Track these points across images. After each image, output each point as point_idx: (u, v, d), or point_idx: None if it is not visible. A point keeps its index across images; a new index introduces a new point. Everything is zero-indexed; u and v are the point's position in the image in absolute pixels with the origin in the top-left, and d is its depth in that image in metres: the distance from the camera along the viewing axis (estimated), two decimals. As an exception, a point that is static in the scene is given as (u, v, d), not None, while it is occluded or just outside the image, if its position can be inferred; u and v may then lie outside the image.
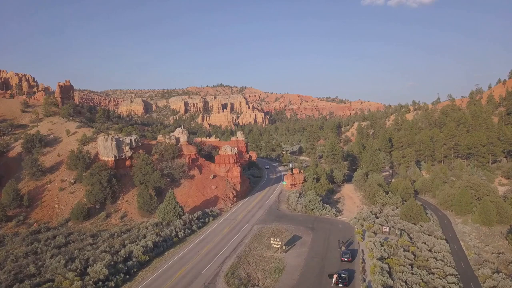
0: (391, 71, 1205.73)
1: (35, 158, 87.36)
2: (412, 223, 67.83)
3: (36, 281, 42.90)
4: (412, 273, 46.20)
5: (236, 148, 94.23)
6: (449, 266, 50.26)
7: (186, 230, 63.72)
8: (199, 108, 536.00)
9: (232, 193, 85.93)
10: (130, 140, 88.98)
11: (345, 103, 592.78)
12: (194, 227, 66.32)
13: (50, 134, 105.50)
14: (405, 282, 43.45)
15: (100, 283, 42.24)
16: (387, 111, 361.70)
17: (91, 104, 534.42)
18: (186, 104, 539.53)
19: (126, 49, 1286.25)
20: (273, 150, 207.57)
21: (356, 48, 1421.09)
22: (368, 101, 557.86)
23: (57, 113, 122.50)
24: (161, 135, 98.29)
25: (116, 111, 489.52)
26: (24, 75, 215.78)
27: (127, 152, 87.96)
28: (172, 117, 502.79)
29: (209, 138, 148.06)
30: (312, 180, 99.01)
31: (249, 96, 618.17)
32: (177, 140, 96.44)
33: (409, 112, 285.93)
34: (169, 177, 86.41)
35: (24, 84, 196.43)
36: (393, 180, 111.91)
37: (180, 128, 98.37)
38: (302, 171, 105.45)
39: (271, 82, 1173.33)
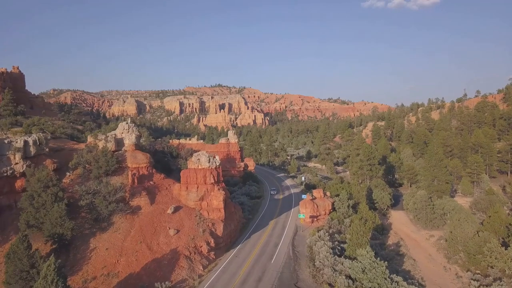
0: (391, 73, 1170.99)
1: None
2: None
3: None
4: None
5: (217, 158, 53.94)
6: None
7: None
8: (195, 108, 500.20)
9: (208, 243, 45.91)
10: (26, 143, 49.30)
11: (347, 104, 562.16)
12: None
13: None
14: None
15: None
16: (402, 110, 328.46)
17: (83, 105, 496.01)
18: (181, 104, 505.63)
19: (124, 50, 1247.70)
20: (276, 155, 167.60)
21: (356, 49, 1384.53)
22: (372, 102, 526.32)
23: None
24: (91, 136, 58.24)
25: (108, 112, 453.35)
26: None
27: (18, 164, 48.26)
28: (166, 118, 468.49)
29: (190, 139, 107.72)
30: (347, 209, 59.41)
31: (248, 97, 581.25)
32: (119, 143, 56.56)
33: (431, 110, 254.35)
34: (92, 213, 46.73)
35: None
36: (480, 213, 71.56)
37: (124, 122, 58.19)
38: (327, 192, 64.99)
39: (271, 82, 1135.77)
